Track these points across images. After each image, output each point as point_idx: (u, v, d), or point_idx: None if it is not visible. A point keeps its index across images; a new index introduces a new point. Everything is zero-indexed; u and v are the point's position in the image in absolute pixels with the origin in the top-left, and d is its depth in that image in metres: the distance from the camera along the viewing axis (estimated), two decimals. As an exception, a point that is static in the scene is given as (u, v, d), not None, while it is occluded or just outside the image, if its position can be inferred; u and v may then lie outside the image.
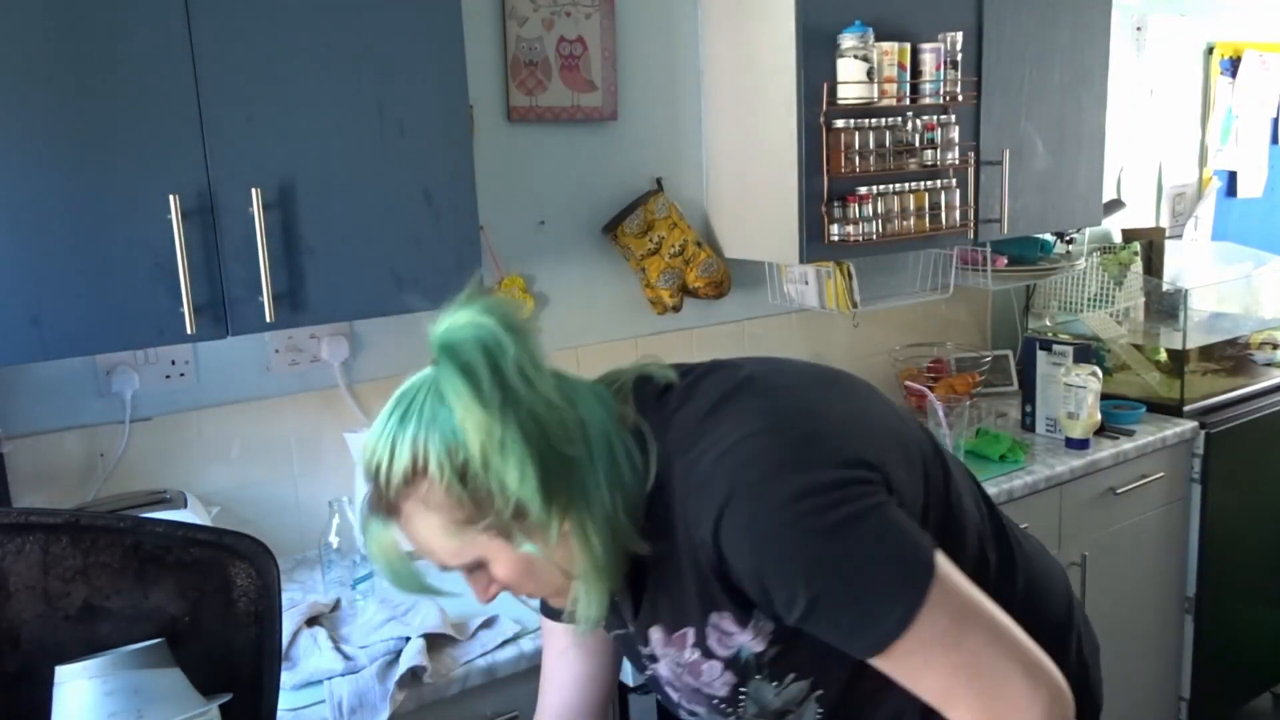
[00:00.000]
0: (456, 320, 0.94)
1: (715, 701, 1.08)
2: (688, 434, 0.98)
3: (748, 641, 1.01)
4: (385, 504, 0.97)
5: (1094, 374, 2.47)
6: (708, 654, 1.04)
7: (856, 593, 0.92)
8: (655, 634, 1.07)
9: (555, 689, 1.27)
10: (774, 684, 1.04)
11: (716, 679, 1.05)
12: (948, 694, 0.95)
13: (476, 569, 1.00)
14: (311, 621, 1.68)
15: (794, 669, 1.04)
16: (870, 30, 2.15)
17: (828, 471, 0.94)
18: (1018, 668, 0.94)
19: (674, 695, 1.13)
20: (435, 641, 1.63)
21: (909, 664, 0.94)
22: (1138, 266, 3.05)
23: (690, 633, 1.04)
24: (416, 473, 0.93)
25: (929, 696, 0.95)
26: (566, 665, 1.26)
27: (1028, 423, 2.63)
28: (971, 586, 0.97)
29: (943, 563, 0.95)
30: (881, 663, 0.94)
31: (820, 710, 1.07)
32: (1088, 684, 1.19)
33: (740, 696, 1.06)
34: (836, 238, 2.24)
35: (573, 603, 1.00)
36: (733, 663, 1.04)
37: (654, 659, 1.10)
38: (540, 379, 0.95)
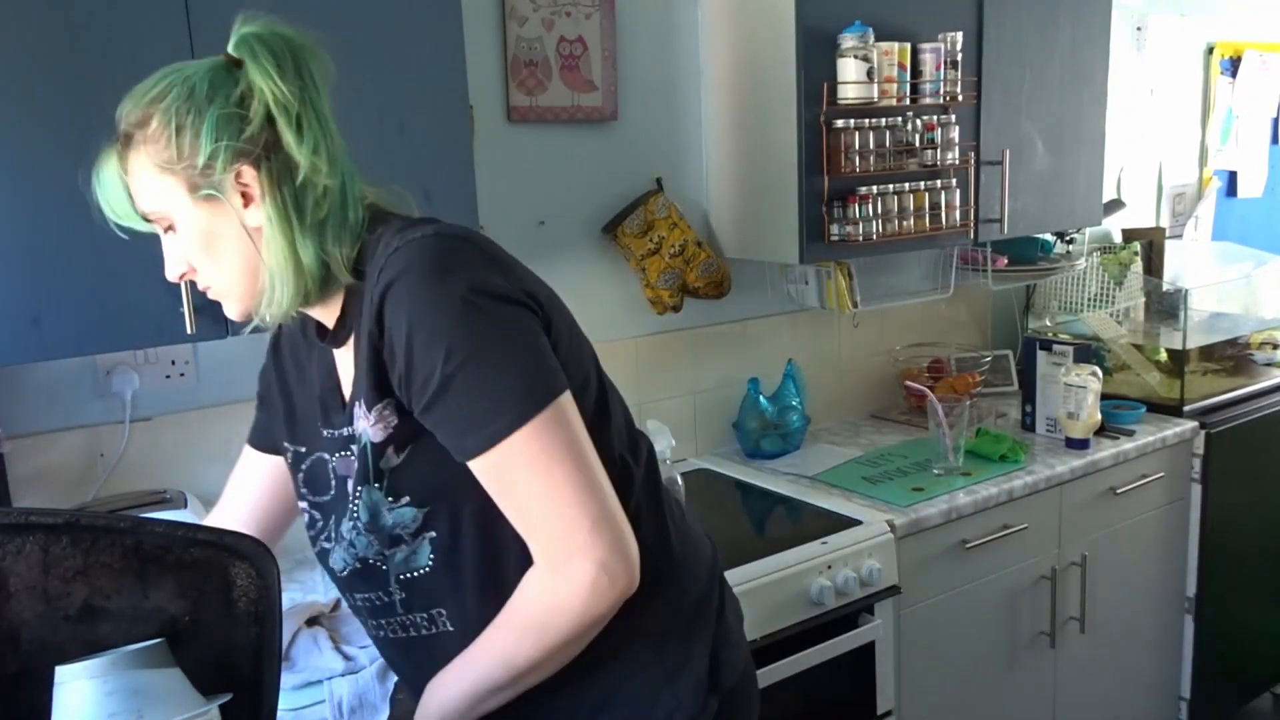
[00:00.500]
0: (265, 23, 1.06)
1: (338, 498, 1.16)
2: (391, 237, 1.07)
3: (369, 427, 1.08)
4: (121, 131, 1.07)
5: (1094, 374, 2.47)
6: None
7: (486, 385, 1.00)
8: (358, 409, 1.12)
9: (234, 496, 1.39)
10: (389, 499, 1.10)
11: (354, 466, 1.13)
12: (526, 519, 1.04)
13: (169, 231, 1.10)
14: (311, 621, 1.68)
15: (410, 493, 1.10)
16: (870, 30, 2.15)
17: (502, 284, 1.04)
18: (587, 520, 1.02)
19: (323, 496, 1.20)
20: (435, 641, 1.62)
21: (501, 476, 1.03)
22: (1138, 266, 3.05)
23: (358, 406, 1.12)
24: (153, 100, 1.04)
25: (512, 518, 1.05)
26: (247, 482, 1.38)
27: (1028, 423, 2.63)
28: (586, 438, 1.05)
29: (566, 400, 1.04)
30: (482, 467, 1.03)
31: (433, 555, 1.12)
32: (730, 639, 1.25)
33: (357, 493, 1.12)
34: (837, 238, 2.24)
35: (262, 294, 1.08)
36: (358, 447, 1.11)
37: (355, 439, 1.14)
38: (327, 94, 1.07)
